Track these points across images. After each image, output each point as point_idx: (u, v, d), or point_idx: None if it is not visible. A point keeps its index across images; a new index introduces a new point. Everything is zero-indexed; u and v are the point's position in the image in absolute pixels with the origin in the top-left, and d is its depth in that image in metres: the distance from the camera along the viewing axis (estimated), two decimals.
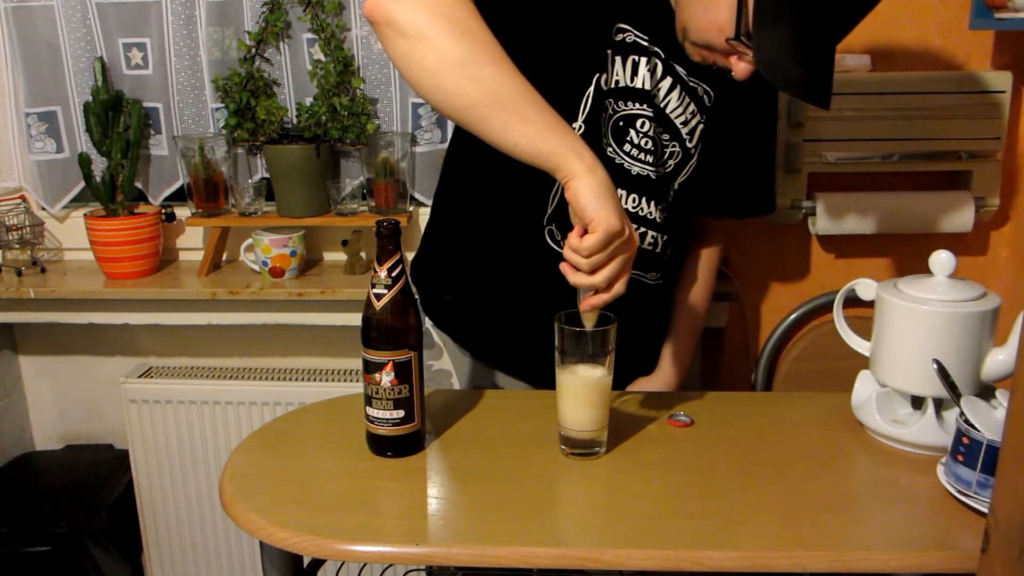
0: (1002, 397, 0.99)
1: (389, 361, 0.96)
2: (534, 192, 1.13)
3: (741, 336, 1.79)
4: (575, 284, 0.94)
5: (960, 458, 0.87)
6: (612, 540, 0.84)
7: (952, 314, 0.97)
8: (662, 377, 1.30)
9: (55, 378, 2.01)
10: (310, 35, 1.71)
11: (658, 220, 1.19)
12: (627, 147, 1.14)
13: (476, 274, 1.23)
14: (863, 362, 1.09)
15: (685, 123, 1.16)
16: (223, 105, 1.74)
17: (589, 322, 0.97)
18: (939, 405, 1.00)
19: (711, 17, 0.99)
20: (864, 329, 1.08)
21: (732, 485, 0.94)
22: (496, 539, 0.84)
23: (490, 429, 1.07)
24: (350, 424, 1.05)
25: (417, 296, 1.29)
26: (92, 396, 2.01)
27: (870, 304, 1.06)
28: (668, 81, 1.13)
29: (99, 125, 1.72)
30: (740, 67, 1.01)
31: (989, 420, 0.86)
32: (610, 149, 1.13)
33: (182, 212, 1.85)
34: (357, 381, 1.78)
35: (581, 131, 1.10)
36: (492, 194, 1.18)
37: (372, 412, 0.98)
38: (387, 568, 1.10)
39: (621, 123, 1.12)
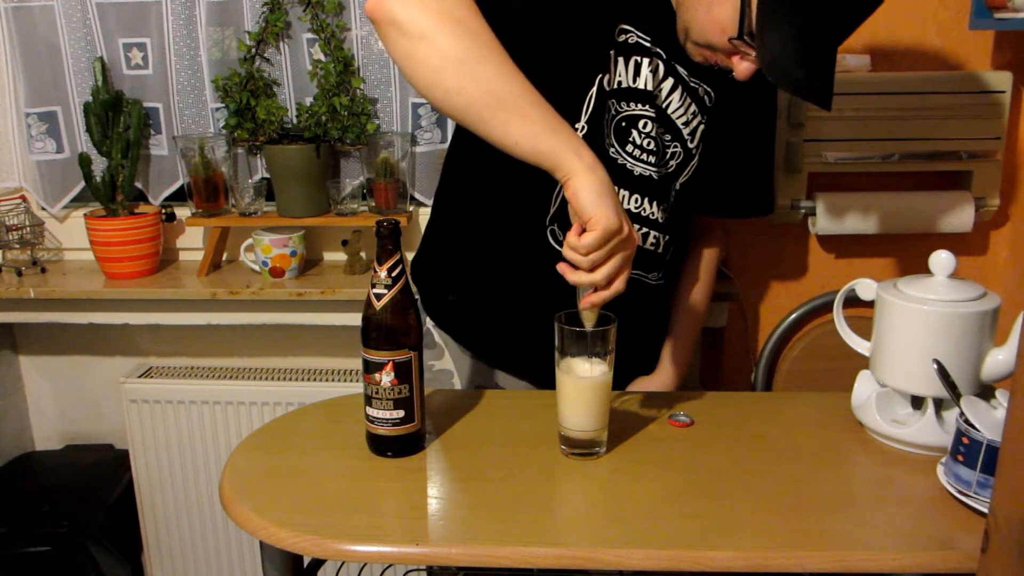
0: (1002, 397, 0.99)
1: (389, 361, 0.96)
2: (536, 192, 1.13)
3: (741, 336, 1.79)
4: (574, 282, 0.94)
5: (960, 458, 0.87)
6: (612, 540, 0.84)
7: (952, 314, 0.97)
8: (662, 376, 1.30)
9: (55, 378, 2.01)
10: (310, 35, 1.71)
11: (660, 220, 1.19)
12: (629, 147, 1.14)
13: (477, 274, 1.23)
14: (863, 362, 1.09)
15: (686, 123, 1.16)
16: (223, 105, 1.74)
17: (589, 321, 0.97)
18: (939, 405, 1.00)
19: (714, 17, 0.99)
20: (864, 329, 1.08)
21: (732, 485, 0.94)
22: (496, 539, 0.84)
23: (490, 429, 1.07)
24: (350, 424, 1.05)
25: (417, 296, 1.29)
26: (92, 396, 2.01)
27: (870, 304, 1.06)
28: (670, 82, 1.13)
29: (99, 125, 1.72)
30: (742, 67, 1.01)
31: (989, 420, 0.86)
32: (612, 150, 1.13)
33: (182, 212, 1.85)
34: (357, 381, 1.78)
35: (584, 132, 1.10)
36: (494, 194, 1.18)
37: (372, 412, 0.98)
38: (387, 568, 1.10)
39: (623, 124, 1.12)
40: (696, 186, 1.21)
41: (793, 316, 1.71)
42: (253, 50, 1.72)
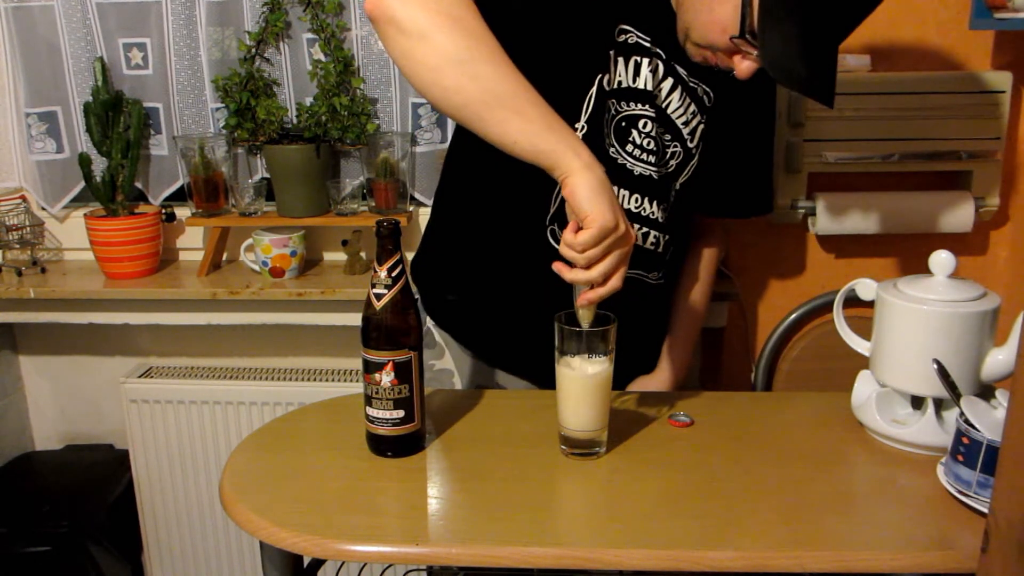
0: (1002, 397, 0.99)
1: (389, 361, 0.96)
2: (536, 192, 1.13)
3: (741, 336, 1.79)
4: (570, 280, 0.94)
5: (960, 458, 0.87)
6: (612, 540, 0.84)
7: (952, 314, 0.97)
8: (662, 376, 1.30)
9: (55, 378, 2.01)
10: (310, 35, 1.71)
11: (660, 220, 1.19)
12: (629, 147, 1.14)
13: (477, 274, 1.23)
14: (863, 362, 1.09)
15: (686, 123, 1.16)
16: (223, 105, 1.74)
17: (585, 319, 0.97)
18: (939, 405, 1.00)
19: (715, 17, 0.99)
20: (864, 329, 1.08)
21: (732, 485, 0.94)
22: (496, 539, 0.84)
23: (490, 429, 1.07)
24: (350, 424, 1.05)
25: (417, 296, 1.29)
26: (92, 396, 2.01)
27: (870, 304, 1.06)
28: (669, 82, 1.13)
29: (99, 125, 1.72)
30: (743, 66, 1.01)
31: (989, 420, 0.86)
32: (612, 149, 1.13)
33: (182, 212, 1.85)
34: (357, 381, 1.78)
35: (584, 132, 1.10)
36: (494, 194, 1.18)
37: (372, 412, 0.98)
38: (387, 568, 1.10)
39: (623, 124, 1.13)
40: (696, 186, 1.21)
41: (793, 316, 1.71)
42: (253, 50, 1.72)
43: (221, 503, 0.93)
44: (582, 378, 0.96)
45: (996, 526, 0.64)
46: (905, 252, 1.74)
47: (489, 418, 1.10)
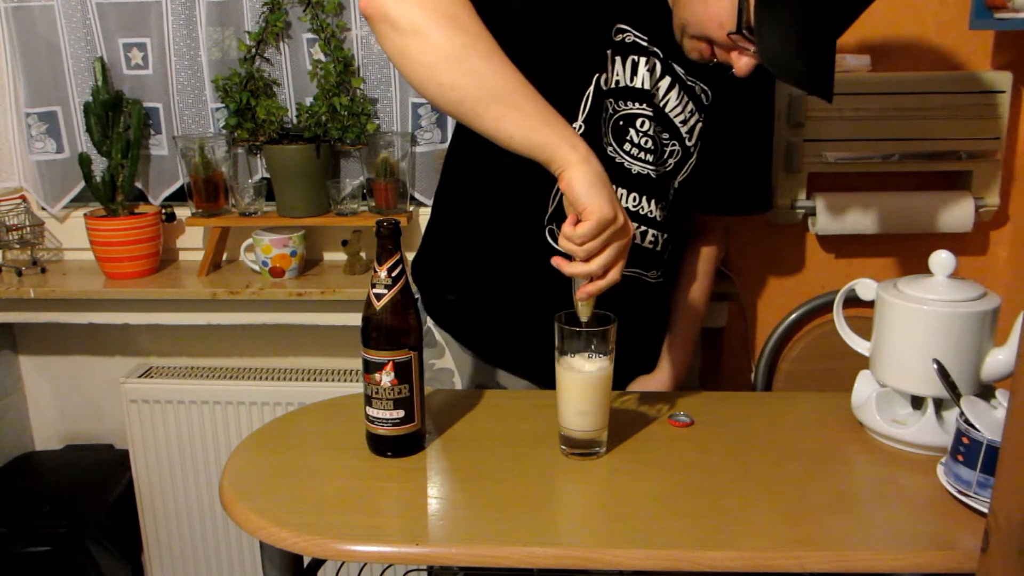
0: (1002, 397, 0.99)
1: (389, 361, 0.96)
2: (535, 191, 1.13)
3: (741, 336, 1.79)
4: (569, 274, 0.94)
5: (960, 458, 0.87)
6: (612, 540, 0.84)
7: (952, 314, 0.97)
8: (662, 375, 1.30)
9: (55, 378, 2.01)
10: (310, 35, 1.71)
11: (658, 219, 1.19)
12: (627, 146, 1.14)
13: (477, 273, 1.23)
14: (863, 362, 1.09)
15: (684, 122, 1.16)
16: (223, 105, 1.74)
17: (584, 313, 0.97)
18: (939, 405, 1.00)
19: (712, 12, 0.99)
20: (864, 329, 1.08)
21: (732, 485, 0.94)
22: (496, 539, 0.84)
23: (490, 429, 1.07)
24: (350, 424, 1.05)
25: (417, 296, 1.29)
26: (92, 396, 2.01)
27: (870, 304, 1.06)
28: (667, 80, 1.13)
29: (99, 125, 1.72)
30: (741, 62, 1.01)
31: (989, 420, 0.86)
32: (610, 148, 1.13)
33: (182, 212, 1.85)
34: (357, 381, 1.78)
35: (581, 131, 1.10)
36: (493, 193, 1.18)
37: (372, 412, 0.98)
38: (387, 568, 1.10)
39: (621, 123, 1.13)
40: (694, 184, 1.21)
41: (793, 316, 1.71)
42: (253, 50, 1.72)
43: (221, 503, 0.93)
44: (582, 378, 0.96)
45: (996, 526, 0.64)
46: (905, 252, 1.74)
47: (489, 418, 1.10)
